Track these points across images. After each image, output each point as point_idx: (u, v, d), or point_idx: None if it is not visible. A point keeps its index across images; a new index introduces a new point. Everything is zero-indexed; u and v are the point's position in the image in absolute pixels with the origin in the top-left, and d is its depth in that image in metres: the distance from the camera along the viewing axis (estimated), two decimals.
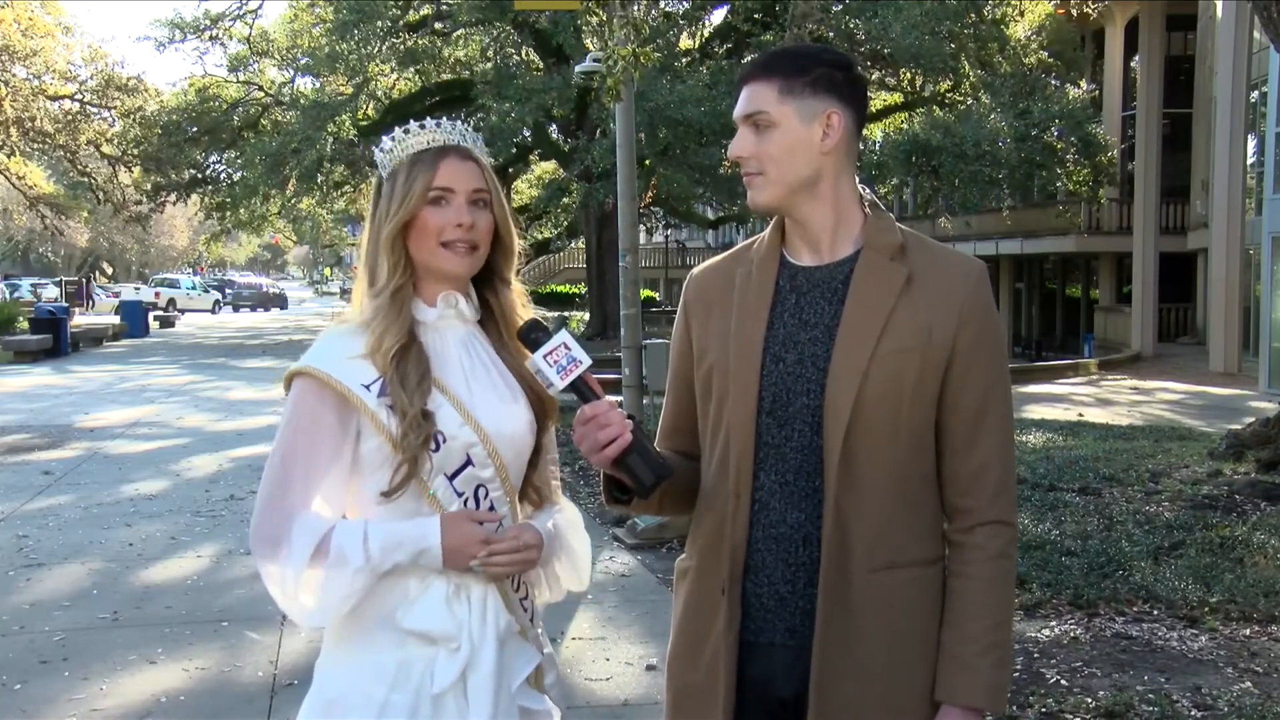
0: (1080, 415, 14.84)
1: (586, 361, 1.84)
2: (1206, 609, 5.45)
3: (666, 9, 27.20)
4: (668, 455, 1.91)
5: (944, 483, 1.87)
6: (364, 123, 28.16)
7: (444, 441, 1.87)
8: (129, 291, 46.95)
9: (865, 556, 1.80)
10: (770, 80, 1.86)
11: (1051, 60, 25.54)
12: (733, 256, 2.00)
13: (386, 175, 1.94)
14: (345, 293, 40.48)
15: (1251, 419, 10.69)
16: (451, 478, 1.90)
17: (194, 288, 55.19)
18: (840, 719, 1.81)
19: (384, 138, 1.97)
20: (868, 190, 1.93)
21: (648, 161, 24.25)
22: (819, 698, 1.81)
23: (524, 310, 2.04)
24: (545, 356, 1.83)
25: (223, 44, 31.84)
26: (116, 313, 34.36)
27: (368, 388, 1.86)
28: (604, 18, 10.36)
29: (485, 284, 2.02)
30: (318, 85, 31.19)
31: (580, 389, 1.84)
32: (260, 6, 31.84)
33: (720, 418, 1.90)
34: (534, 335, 1.87)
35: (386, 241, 1.90)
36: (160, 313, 40.55)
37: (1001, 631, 1.85)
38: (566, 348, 1.83)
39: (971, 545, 1.85)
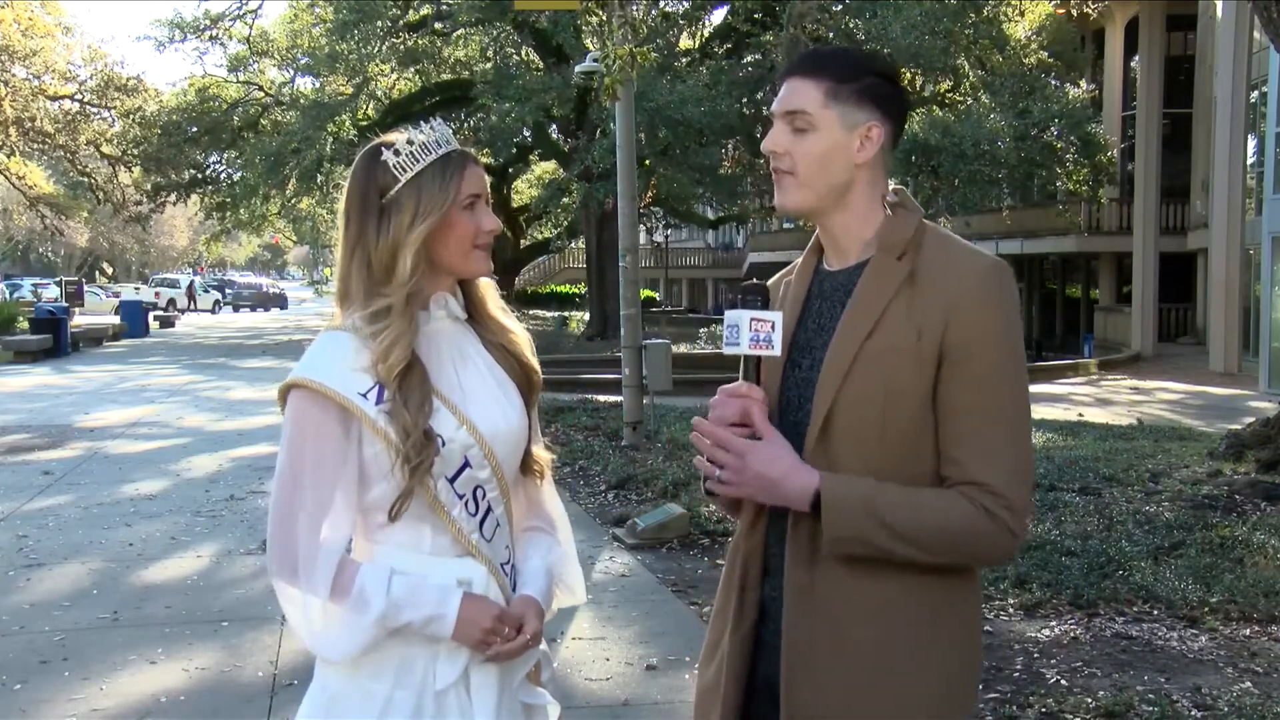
0: (1080, 415, 14.85)
1: (777, 352, 1.81)
2: (1206, 609, 5.45)
3: (666, 9, 27.22)
4: None
5: (946, 482, 1.79)
6: (364, 123, 28.18)
7: (443, 445, 1.87)
8: (129, 291, 46.99)
9: (846, 559, 1.75)
10: (818, 80, 1.81)
11: (1051, 60, 25.56)
12: (792, 264, 2.00)
13: (407, 177, 1.90)
14: None
15: (1251, 419, 10.69)
16: (452, 480, 1.91)
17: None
18: None
19: (396, 138, 1.94)
20: (891, 190, 1.88)
21: (648, 161, 24.27)
22: (789, 704, 1.78)
23: (492, 296, 2.05)
24: (753, 320, 1.80)
25: (223, 44, 31.92)
26: (116, 313, 34.36)
27: (365, 395, 1.86)
28: (603, 18, 10.38)
29: (465, 281, 2.03)
30: (318, 85, 31.22)
31: (751, 367, 1.82)
32: (260, 6, 31.89)
33: None
34: (751, 296, 1.83)
35: (416, 242, 1.88)
36: (160, 313, 40.56)
37: (913, 522, 1.70)
38: (773, 328, 1.80)
39: (950, 489, 1.75)
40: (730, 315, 1.83)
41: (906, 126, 1.98)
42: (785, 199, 1.87)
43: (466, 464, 1.91)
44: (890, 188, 1.89)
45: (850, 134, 1.81)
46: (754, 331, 1.79)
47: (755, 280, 1.93)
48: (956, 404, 1.76)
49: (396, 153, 1.91)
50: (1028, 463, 1.79)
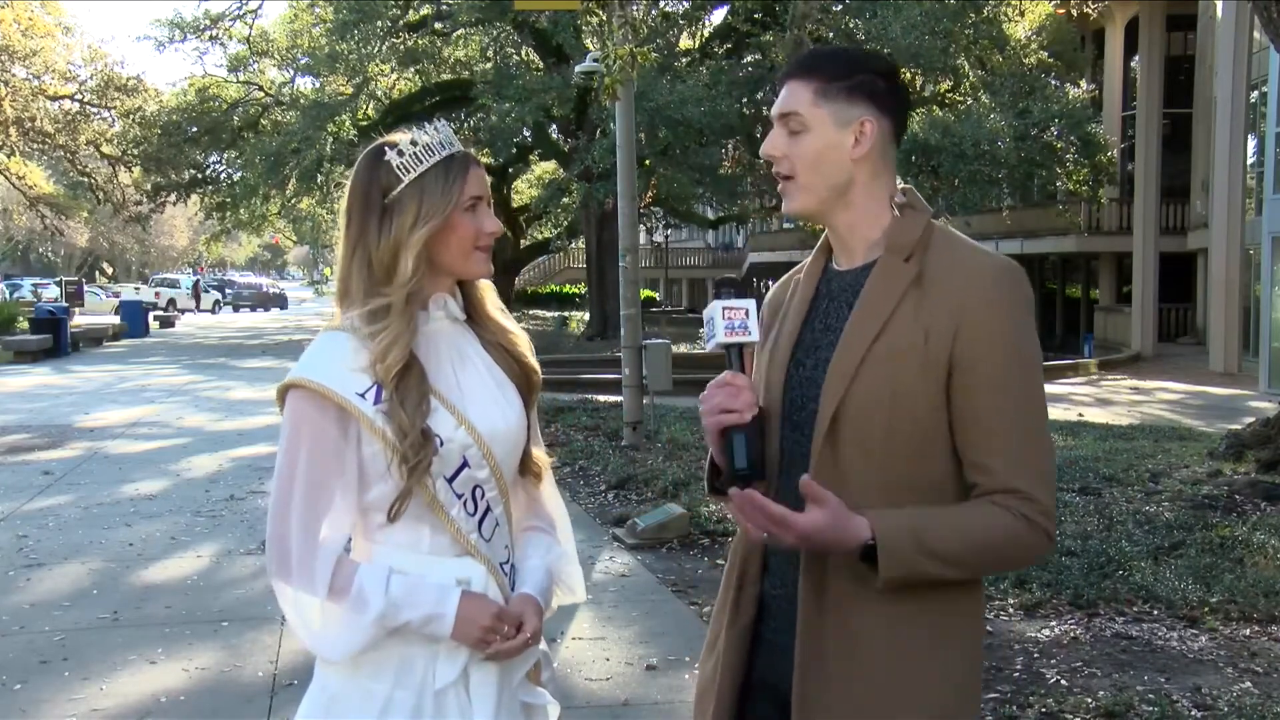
0: (1080, 415, 14.85)
1: (754, 338, 1.84)
2: (1206, 609, 5.45)
3: (666, 9, 27.21)
4: (770, 468, 1.87)
5: (975, 489, 1.78)
6: (364, 123, 28.17)
7: (441, 445, 1.88)
8: (129, 291, 46.97)
9: (850, 564, 1.75)
10: (808, 81, 1.83)
11: (1051, 60, 25.56)
12: (801, 264, 2.01)
13: (410, 178, 1.90)
14: None
15: (1251, 419, 10.69)
16: (450, 480, 1.91)
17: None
18: None
19: (400, 139, 1.94)
20: (898, 189, 1.88)
21: (648, 161, 24.26)
22: (802, 707, 1.78)
23: (491, 297, 2.06)
24: (725, 309, 1.83)
25: (223, 44, 31.90)
26: (116, 313, 34.35)
27: (363, 395, 1.86)
28: (604, 18, 10.39)
29: (463, 282, 2.03)
30: (318, 85, 31.20)
31: (734, 356, 1.85)
32: (260, 6, 31.89)
33: None
34: (725, 289, 1.88)
35: (418, 243, 1.88)
36: (160, 313, 40.55)
37: (960, 544, 1.70)
38: (747, 314, 1.83)
39: (984, 500, 1.75)
40: (705, 311, 1.87)
41: (906, 126, 1.97)
42: (789, 204, 1.89)
43: (465, 464, 1.91)
44: (899, 188, 1.88)
45: (843, 131, 1.81)
46: (728, 320, 1.82)
47: (729, 275, 1.95)
48: (977, 410, 1.74)
49: (400, 153, 1.91)
50: (1052, 466, 1.80)
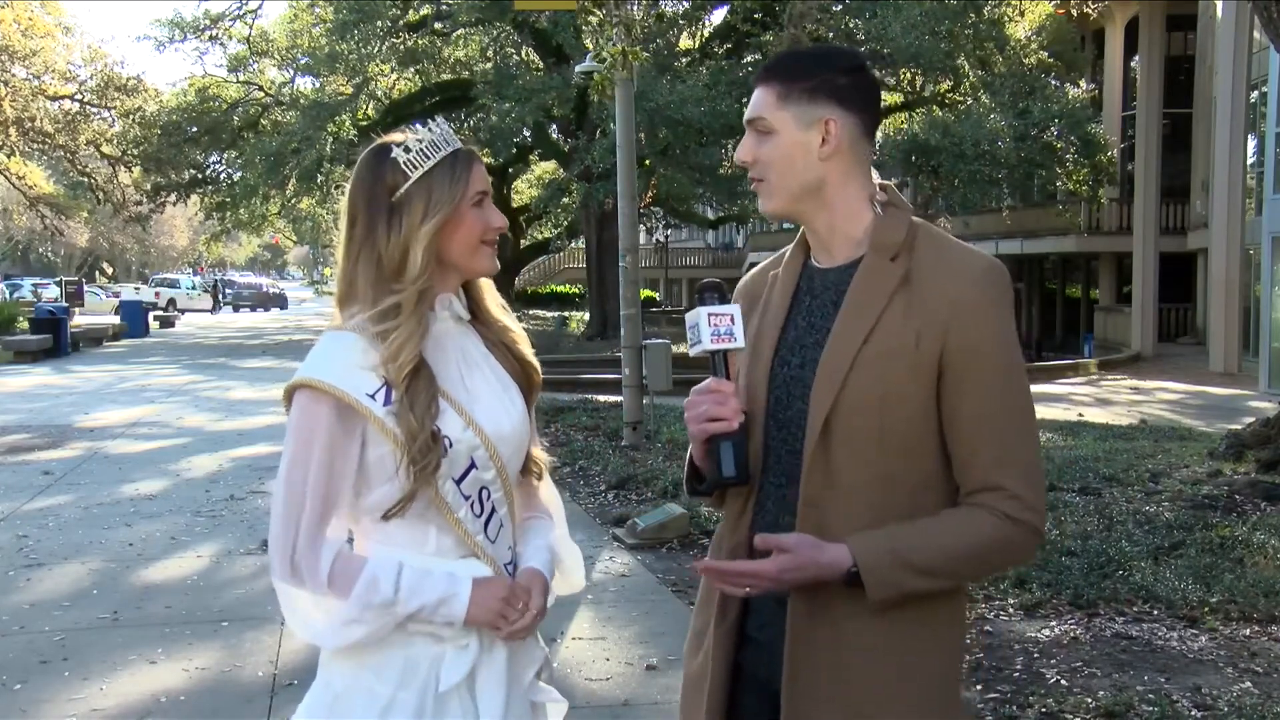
0: (1080, 415, 14.85)
1: (740, 344, 1.84)
2: (1206, 609, 5.45)
3: (665, 8, 27.22)
4: (755, 470, 1.88)
5: (962, 489, 1.79)
6: (364, 123, 28.19)
7: (450, 446, 1.87)
8: (129, 291, 46.95)
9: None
10: (771, 85, 1.85)
11: (1051, 60, 25.58)
12: (775, 259, 2.01)
13: (418, 175, 1.90)
14: None
15: (1251, 419, 10.69)
16: (458, 481, 1.91)
17: (194, 288, 55.22)
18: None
19: (403, 137, 1.94)
20: (877, 186, 1.88)
21: (648, 161, 24.27)
22: (791, 708, 1.80)
23: (492, 295, 2.06)
24: (710, 315, 1.83)
25: (222, 44, 31.95)
26: (116, 313, 34.34)
27: (373, 396, 1.85)
28: (602, 17, 10.41)
29: (465, 281, 2.03)
30: (318, 85, 31.22)
31: (719, 362, 1.85)
32: (260, 6, 31.91)
33: None
34: (709, 294, 1.87)
35: (427, 237, 1.88)
36: (160, 313, 40.54)
37: (942, 556, 1.73)
38: (732, 321, 1.84)
39: (968, 503, 1.77)
40: (689, 316, 1.86)
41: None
42: (763, 205, 1.91)
43: (473, 465, 1.91)
44: (878, 184, 1.88)
45: (808, 132, 1.82)
46: (713, 326, 1.83)
47: (712, 279, 1.96)
48: (966, 409, 1.76)
49: (407, 150, 1.91)
50: (1039, 460, 1.81)
